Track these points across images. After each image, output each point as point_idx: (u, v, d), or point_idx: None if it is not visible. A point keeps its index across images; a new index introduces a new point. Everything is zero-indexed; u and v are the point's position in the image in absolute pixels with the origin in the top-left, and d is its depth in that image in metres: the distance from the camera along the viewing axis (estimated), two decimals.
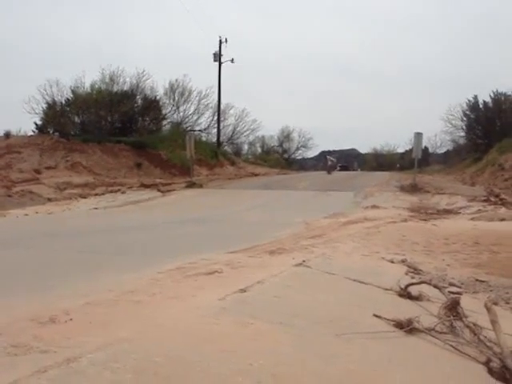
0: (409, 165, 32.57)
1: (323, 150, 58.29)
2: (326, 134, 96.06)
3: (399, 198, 15.23)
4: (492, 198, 13.99)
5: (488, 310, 3.06)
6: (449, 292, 4.04)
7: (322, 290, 4.11)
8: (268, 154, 49.09)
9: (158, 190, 17.82)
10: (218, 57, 34.11)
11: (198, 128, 34.61)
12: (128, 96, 27.85)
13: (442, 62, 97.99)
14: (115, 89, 27.97)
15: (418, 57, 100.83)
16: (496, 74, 72.20)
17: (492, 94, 30.45)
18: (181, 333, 2.64)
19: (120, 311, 3.11)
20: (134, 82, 28.66)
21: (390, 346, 2.85)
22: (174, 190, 18.37)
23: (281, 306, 3.39)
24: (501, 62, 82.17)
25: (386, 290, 4.17)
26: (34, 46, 73.49)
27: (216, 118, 35.22)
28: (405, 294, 3.99)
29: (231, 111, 39.08)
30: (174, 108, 33.28)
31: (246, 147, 46.74)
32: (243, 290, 3.55)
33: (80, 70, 28.11)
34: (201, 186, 19.76)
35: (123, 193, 16.94)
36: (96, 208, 13.62)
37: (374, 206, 12.90)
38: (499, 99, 30.30)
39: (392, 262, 5.61)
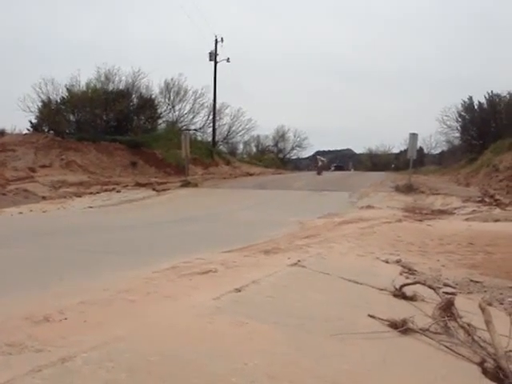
0: (404, 165, 32.66)
1: (318, 149, 58.40)
2: (321, 133, 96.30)
3: (394, 199, 15.27)
4: (487, 199, 14.05)
5: (482, 310, 3.07)
6: (443, 292, 4.05)
7: (316, 289, 4.11)
8: (263, 153, 49.09)
9: (153, 189, 17.80)
10: (213, 56, 34.04)
11: (193, 127, 34.65)
12: (123, 95, 27.75)
13: (437, 62, 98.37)
14: (111, 87, 27.91)
15: (414, 58, 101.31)
16: (491, 76, 72.49)
17: (487, 95, 30.57)
18: (175, 332, 2.64)
19: (115, 310, 3.10)
20: (130, 80, 28.64)
21: (384, 346, 2.86)
22: (168, 189, 18.35)
23: (276, 305, 3.39)
24: (496, 63, 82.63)
25: (381, 290, 4.17)
26: (28, 43, 73.14)
27: (211, 117, 35.26)
28: (399, 294, 4.00)
29: (227, 110, 39.08)
30: (169, 107, 33.27)
31: (241, 147, 46.85)
32: (238, 290, 3.55)
33: (75, 69, 28.06)
34: (196, 186, 19.75)
35: (118, 192, 16.90)
36: (91, 207, 13.59)
37: (369, 207, 12.94)
38: (494, 100, 30.36)
39: (387, 262, 5.62)
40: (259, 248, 6.14)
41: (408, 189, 17.38)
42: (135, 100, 29.11)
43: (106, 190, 17.08)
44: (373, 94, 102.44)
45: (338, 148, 68.52)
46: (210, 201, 15.69)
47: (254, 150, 50.22)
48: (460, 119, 32.46)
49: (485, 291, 4.78)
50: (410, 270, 5.21)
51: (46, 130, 25.54)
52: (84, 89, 27.43)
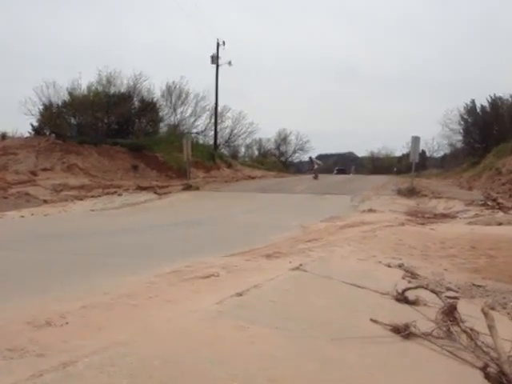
0: (406, 168, 32.68)
1: (320, 153, 58.39)
2: (323, 137, 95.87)
3: (396, 202, 15.23)
4: (489, 203, 14.00)
5: (485, 314, 3.05)
6: (446, 297, 4.03)
7: (318, 294, 4.10)
8: (265, 156, 49.16)
9: (155, 193, 17.79)
10: (215, 59, 34.09)
11: (194, 130, 34.74)
12: (125, 98, 27.85)
13: (439, 65, 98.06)
14: (112, 90, 28.02)
15: (416, 60, 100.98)
16: (494, 79, 72.40)
17: (489, 98, 30.60)
18: (177, 336, 2.63)
19: (116, 315, 3.10)
20: (131, 83, 28.77)
21: (386, 350, 2.85)
22: (170, 192, 18.34)
23: (277, 310, 3.38)
24: (499, 66, 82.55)
25: (383, 294, 4.16)
26: (30, 46, 73.27)
27: (213, 120, 35.29)
28: (402, 298, 3.99)
29: (228, 114, 39.19)
30: (170, 110, 33.38)
31: (242, 150, 46.93)
32: (240, 294, 3.54)
33: (77, 72, 28.17)
34: (197, 189, 19.73)
35: (119, 195, 16.89)
36: (92, 210, 13.58)
37: (371, 210, 12.91)
38: (497, 103, 30.41)
39: (389, 266, 5.60)
40: (261, 252, 6.13)
41: (410, 192, 17.35)
42: (137, 103, 29.22)
43: (107, 194, 17.06)
44: (375, 96, 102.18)
45: (340, 151, 68.42)
46: (212, 204, 15.69)
47: (256, 153, 50.33)
48: (462, 122, 32.55)
49: (487, 295, 4.77)
50: (412, 274, 5.19)
51: (48, 134, 25.65)
52: (85, 92, 27.58)
